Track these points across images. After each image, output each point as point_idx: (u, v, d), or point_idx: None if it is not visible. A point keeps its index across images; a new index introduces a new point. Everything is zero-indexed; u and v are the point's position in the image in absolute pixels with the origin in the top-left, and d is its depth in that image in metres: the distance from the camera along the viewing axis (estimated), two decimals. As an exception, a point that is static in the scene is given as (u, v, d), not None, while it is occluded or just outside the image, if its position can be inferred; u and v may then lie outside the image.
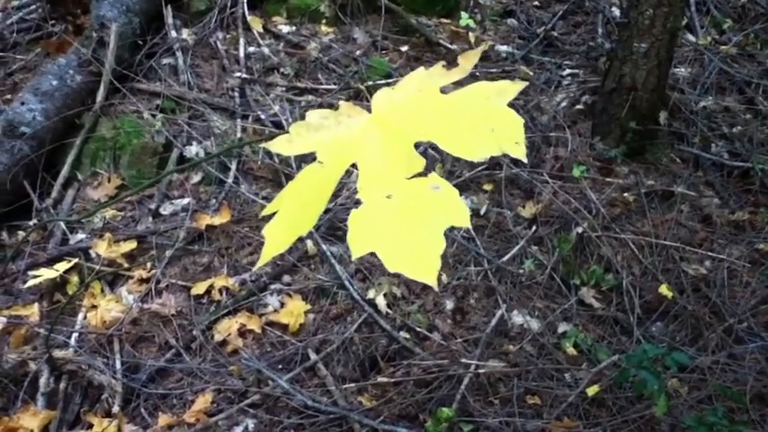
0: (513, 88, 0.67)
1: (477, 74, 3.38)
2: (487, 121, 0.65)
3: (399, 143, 0.66)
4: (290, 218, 0.66)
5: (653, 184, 3.05)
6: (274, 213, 0.68)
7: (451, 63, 0.71)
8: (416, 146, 0.67)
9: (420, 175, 0.64)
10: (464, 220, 0.63)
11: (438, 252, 0.61)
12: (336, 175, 0.66)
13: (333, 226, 2.69)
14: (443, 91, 0.71)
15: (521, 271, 2.65)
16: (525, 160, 0.64)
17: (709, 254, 2.78)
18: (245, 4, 3.66)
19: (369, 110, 0.71)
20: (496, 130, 0.64)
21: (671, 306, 2.59)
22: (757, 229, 2.91)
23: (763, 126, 3.37)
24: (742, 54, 3.84)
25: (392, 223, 0.62)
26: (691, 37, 3.91)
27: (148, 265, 2.58)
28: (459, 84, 0.70)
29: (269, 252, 0.65)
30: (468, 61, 0.70)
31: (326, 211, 2.75)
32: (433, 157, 2.88)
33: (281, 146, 0.69)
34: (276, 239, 0.65)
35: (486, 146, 0.64)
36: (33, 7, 3.77)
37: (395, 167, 0.64)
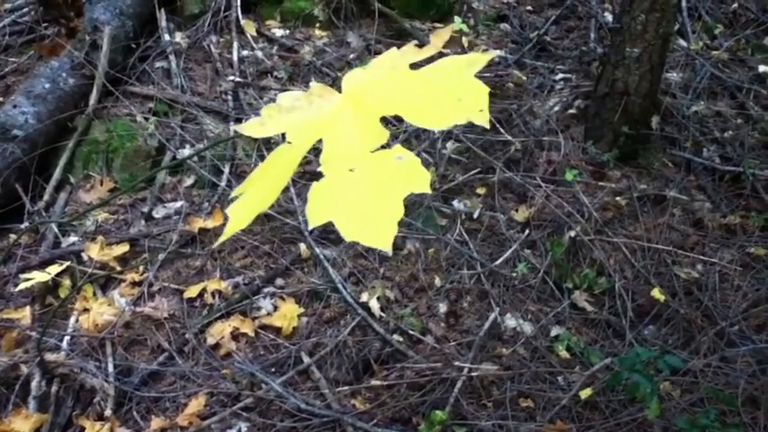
0: (482, 59, 0.68)
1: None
2: (455, 91, 0.66)
3: (368, 119, 0.67)
4: (255, 198, 0.67)
5: (645, 188, 3.06)
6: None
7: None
8: (383, 120, 0.67)
9: (384, 147, 0.65)
10: (424, 186, 0.63)
11: (395, 219, 0.61)
12: (302, 152, 0.67)
13: (326, 230, 2.68)
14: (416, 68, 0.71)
15: (514, 274, 2.66)
16: (488, 126, 0.65)
17: (701, 257, 2.79)
18: (239, 8, 3.66)
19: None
20: (463, 100, 0.65)
21: (663, 309, 2.61)
22: (748, 233, 2.92)
23: (754, 131, 3.39)
24: (733, 59, 3.86)
25: (353, 194, 0.62)
26: (682, 42, 3.93)
27: (141, 268, 2.58)
28: (431, 62, 0.70)
29: (231, 229, 0.66)
30: (439, 39, 0.71)
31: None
32: (426, 161, 2.88)
33: (254, 129, 0.70)
34: (239, 217, 0.67)
35: (452, 115, 0.64)
36: (26, 10, 3.76)
37: (361, 143, 0.65)
